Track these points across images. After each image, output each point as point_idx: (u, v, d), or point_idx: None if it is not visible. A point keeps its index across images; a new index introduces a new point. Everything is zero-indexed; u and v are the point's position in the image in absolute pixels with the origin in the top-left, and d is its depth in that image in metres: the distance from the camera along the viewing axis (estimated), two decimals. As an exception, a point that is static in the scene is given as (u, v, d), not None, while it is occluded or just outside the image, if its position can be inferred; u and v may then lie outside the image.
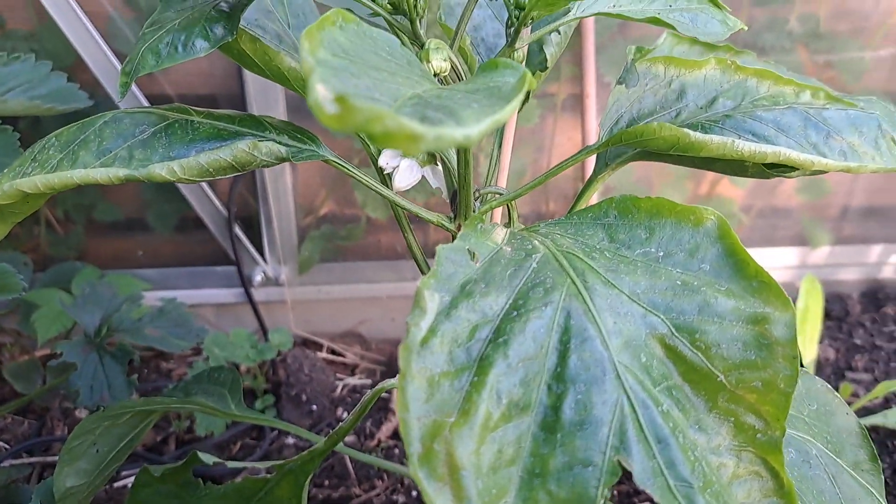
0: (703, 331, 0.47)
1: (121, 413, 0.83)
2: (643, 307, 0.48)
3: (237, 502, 0.86)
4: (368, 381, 1.46)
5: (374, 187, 0.68)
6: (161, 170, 0.57)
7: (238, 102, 1.29)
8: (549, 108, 1.38)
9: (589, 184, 0.73)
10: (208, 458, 0.84)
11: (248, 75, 1.25)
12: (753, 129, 0.64)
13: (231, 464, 0.86)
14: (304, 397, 1.37)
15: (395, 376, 1.42)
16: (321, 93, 0.33)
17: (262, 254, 1.45)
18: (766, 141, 0.62)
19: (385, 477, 1.22)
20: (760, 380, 0.46)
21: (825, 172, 0.62)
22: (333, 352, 1.53)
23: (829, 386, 0.74)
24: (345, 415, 1.35)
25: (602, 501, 0.42)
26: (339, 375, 1.46)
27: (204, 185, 1.35)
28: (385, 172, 0.71)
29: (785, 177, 0.63)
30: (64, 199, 1.41)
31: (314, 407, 1.36)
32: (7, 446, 1.23)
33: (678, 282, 0.50)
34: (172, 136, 0.60)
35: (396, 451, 1.27)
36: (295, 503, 0.82)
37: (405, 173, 0.70)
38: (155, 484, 0.87)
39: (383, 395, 1.39)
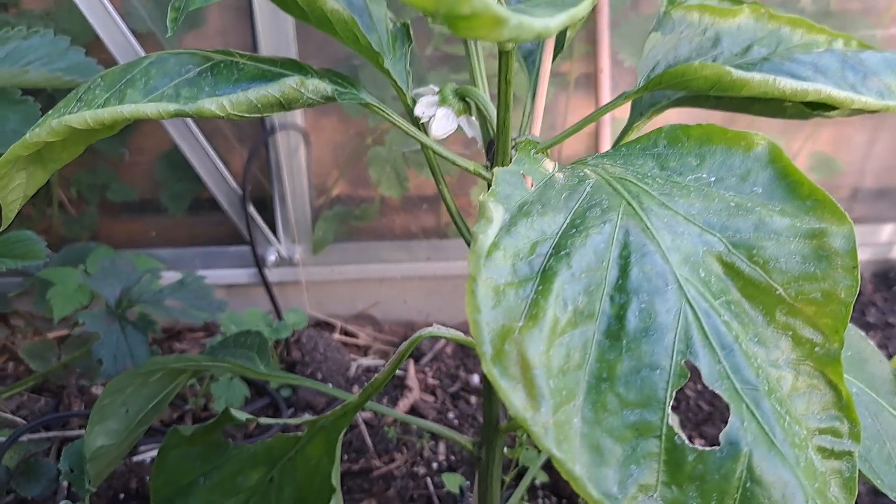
0: (761, 247, 0.48)
1: (152, 371, 0.83)
2: (699, 226, 0.49)
3: (267, 461, 0.86)
4: (382, 362, 1.46)
5: (412, 133, 0.68)
6: (211, 105, 0.57)
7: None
8: (562, 86, 1.39)
9: (624, 134, 0.74)
10: (241, 415, 0.84)
11: (262, 37, 1.25)
12: (791, 71, 0.65)
13: (264, 420, 0.86)
14: (319, 376, 1.37)
15: (407, 357, 1.41)
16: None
17: (275, 234, 1.45)
18: (804, 81, 0.63)
19: (405, 449, 1.22)
20: (820, 291, 0.46)
21: (864, 112, 0.63)
22: (346, 333, 1.53)
23: (862, 333, 0.75)
24: (360, 393, 1.35)
25: (671, 403, 0.42)
26: (352, 355, 1.46)
27: (219, 163, 1.35)
28: (421, 122, 0.71)
29: (824, 116, 0.63)
30: (78, 179, 1.41)
31: (329, 385, 1.36)
32: (25, 422, 1.22)
33: (732, 204, 0.50)
34: (218, 75, 0.61)
35: (414, 427, 1.27)
36: (327, 461, 0.82)
37: (441, 122, 0.71)
38: (183, 445, 0.87)
39: (399, 373, 1.39)
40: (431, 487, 1.16)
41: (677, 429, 0.42)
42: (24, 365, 1.36)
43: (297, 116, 1.35)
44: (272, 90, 0.58)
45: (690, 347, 0.44)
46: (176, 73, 0.61)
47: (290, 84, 0.58)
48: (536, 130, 0.81)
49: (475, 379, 1.38)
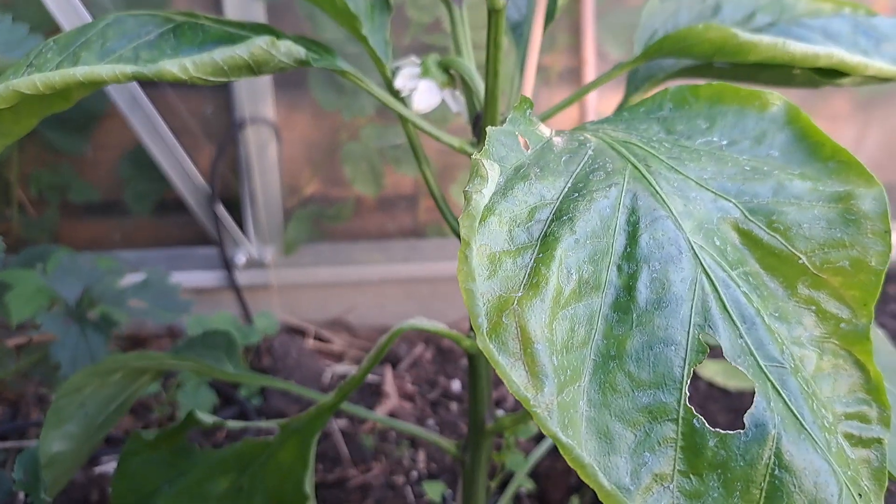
0: (781, 212, 0.43)
1: (112, 369, 0.77)
2: (712, 192, 0.44)
3: (236, 467, 0.80)
4: (356, 368, 1.40)
5: (392, 106, 0.63)
6: (172, 66, 0.52)
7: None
8: (544, 80, 1.35)
9: (620, 109, 0.69)
10: (207, 418, 0.78)
11: (227, 4, 1.19)
12: (800, 36, 0.61)
13: (232, 424, 0.80)
14: (291, 383, 1.31)
15: (383, 362, 1.35)
16: None
17: (245, 234, 1.39)
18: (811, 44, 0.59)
19: (383, 458, 1.16)
20: (848, 259, 0.42)
21: (877, 80, 0.59)
22: (320, 338, 1.47)
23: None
24: (335, 399, 1.29)
25: (688, 382, 0.38)
26: (326, 362, 1.40)
27: (186, 161, 1.29)
28: (402, 95, 0.67)
29: (835, 84, 0.59)
30: (38, 179, 1.35)
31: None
32: (-22, 432, 1.15)
33: (746, 167, 0.46)
34: (181, 37, 0.56)
35: (392, 433, 1.22)
36: (300, 466, 0.77)
37: (424, 95, 0.66)
38: (146, 451, 0.81)
39: (375, 379, 1.34)
40: (412, 497, 1.10)
41: (695, 410, 0.38)
42: (-21, 373, 1.29)
43: (268, 110, 1.29)
44: (240, 51, 0.53)
45: (709, 320, 0.39)
46: (135, 34, 0.56)
47: (260, 45, 0.53)
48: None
49: (456, 385, 1.33)
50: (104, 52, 0.55)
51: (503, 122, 0.66)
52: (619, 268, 0.40)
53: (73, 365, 0.97)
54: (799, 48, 0.56)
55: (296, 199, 1.39)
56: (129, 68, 0.52)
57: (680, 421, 0.37)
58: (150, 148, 1.28)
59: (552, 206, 0.43)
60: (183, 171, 1.31)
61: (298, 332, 1.48)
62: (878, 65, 0.57)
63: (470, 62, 0.66)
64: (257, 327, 1.35)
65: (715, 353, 0.41)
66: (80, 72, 0.52)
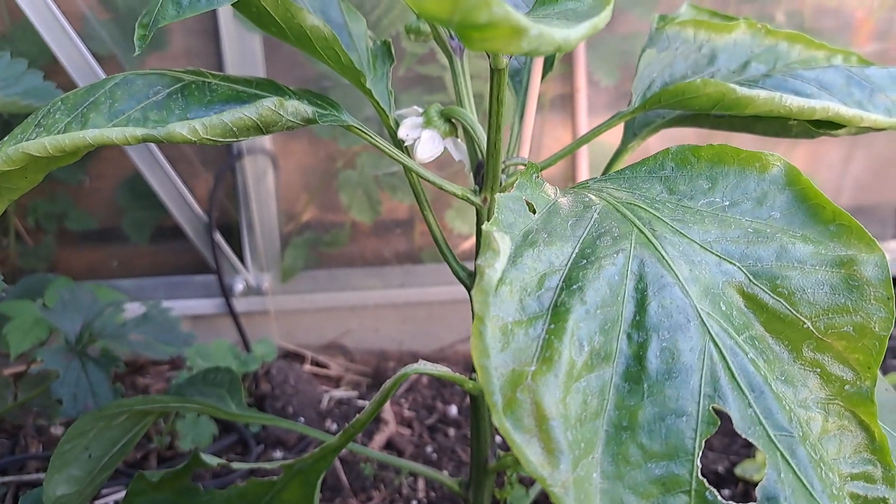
0: (785, 276, 0.44)
1: (117, 413, 0.77)
2: (717, 255, 0.45)
3: (241, 507, 0.81)
4: (355, 393, 1.41)
5: (397, 158, 0.64)
6: (182, 129, 0.53)
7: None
8: (537, 107, 1.35)
9: (617, 155, 0.70)
10: (212, 460, 0.78)
11: (228, 60, 1.21)
12: (795, 88, 0.62)
13: (237, 465, 0.81)
14: (290, 410, 1.31)
15: (380, 387, 1.37)
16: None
17: (243, 262, 1.39)
18: (810, 98, 0.60)
19: (382, 487, 1.17)
20: (851, 324, 0.43)
21: (872, 130, 0.60)
22: (317, 363, 1.48)
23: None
24: (334, 426, 1.30)
25: (700, 454, 0.38)
26: (324, 387, 1.41)
27: (183, 189, 1.30)
28: (405, 144, 0.68)
29: (831, 135, 0.60)
30: (35, 208, 1.35)
31: (301, 419, 1.30)
32: (-22, 466, 1.15)
33: (749, 230, 0.47)
34: (189, 97, 0.56)
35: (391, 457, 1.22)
36: (304, 506, 0.77)
37: (427, 144, 0.67)
38: (150, 492, 0.82)
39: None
40: (411, 526, 1.11)
41: (707, 483, 0.38)
42: (-23, 404, 1.29)
43: (266, 140, 1.30)
44: (249, 112, 0.54)
45: (718, 390, 0.40)
46: (143, 94, 0.56)
47: (268, 106, 0.54)
48: (525, 152, 0.78)
49: (453, 410, 1.34)
50: (113, 112, 0.55)
51: (504, 169, 0.67)
52: (629, 336, 0.41)
53: (75, 402, 0.97)
54: (796, 102, 0.57)
55: (293, 225, 1.40)
56: (139, 131, 0.53)
57: (692, 493, 0.38)
58: (147, 176, 1.28)
59: (561, 272, 0.43)
60: (181, 200, 1.31)
61: (295, 356, 1.48)
62: (873, 117, 0.58)
63: (472, 112, 0.67)
64: (256, 354, 1.35)
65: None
66: (90, 135, 0.53)
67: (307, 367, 1.45)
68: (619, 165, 0.70)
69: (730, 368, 0.41)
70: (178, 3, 0.52)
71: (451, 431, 1.29)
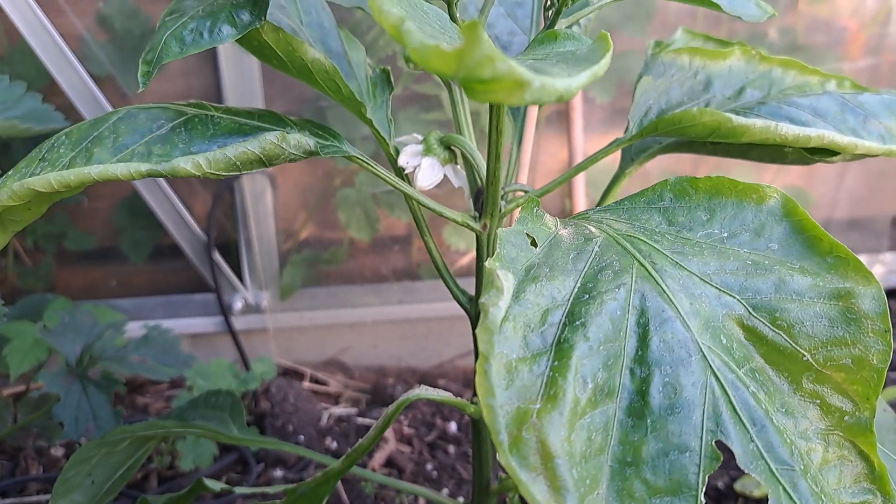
0: (784, 309, 0.45)
1: (119, 439, 0.78)
2: (716, 288, 0.46)
3: (244, 531, 0.81)
4: (354, 410, 1.41)
5: (398, 186, 0.65)
6: (186, 164, 0.53)
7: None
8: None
9: (615, 180, 0.71)
10: (215, 485, 0.79)
11: (226, 81, 1.21)
12: (790, 115, 0.62)
13: (240, 489, 0.81)
14: (290, 428, 1.32)
15: (380, 404, 1.36)
16: (421, 37, 0.31)
17: (241, 280, 1.40)
18: (804, 126, 0.61)
19: (383, 505, 1.17)
20: (850, 356, 0.44)
21: (867, 156, 0.61)
22: (316, 380, 1.48)
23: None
24: (334, 444, 1.30)
25: (703, 489, 0.39)
26: (323, 405, 1.41)
27: (182, 209, 1.31)
28: (405, 172, 0.68)
29: (826, 162, 0.61)
30: (33, 228, 1.35)
31: (301, 438, 1.31)
32: (-21, 488, 1.16)
33: (748, 262, 0.47)
34: (192, 131, 0.57)
35: (391, 477, 1.22)
36: (307, 530, 0.78)
37: (427, 172, 0.67)
38: (153, 516, 0.82)
39: (373, 423, 1.35)
40: (412, 544, 1.11)
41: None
42: (-23, 425, 1.29)
43: (263, 160, 1.31)
44: (251, 146, 0.54)
45: (720, 425, 0.41)
46: (147, 129, 0.57)
47: (271, 140, 0.55)
48: (523, 178, 0.79)
49: (452, 427, 1.34)
50: (117, 147, 0.56)
51: (503, 196, 0.68)
52: (632, 372, 0.42)
53: (76, 425, 0.97)
54: (791, 131, 0.58)
55: (291, 243, 1.40)
56: (143, 166, 0.53)
57: (696, 527, 0.39)
58: (145, 196, 1.29)
59: (564, 307, 0.44)
60: (179, 219, 1.32)
61: (294, 374, 1.49)
62: (868, 144, 0.59)
63: (471, 140, 0.68)
64: (255, 373, 1.35)
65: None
66: (95, 171, 0.54)
67: (306, 384, 1.46)
68: (617, 190, 0.71)
69: (731, 403, 0.41)
70: (182, 40, 0.53)
71: (451, 448, 1.30)
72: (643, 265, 0.46)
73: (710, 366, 0.42)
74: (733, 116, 0.57)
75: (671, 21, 1.37)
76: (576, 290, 0.45)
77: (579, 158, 1.36)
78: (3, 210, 0.58)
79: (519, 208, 0.69)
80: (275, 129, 0.58)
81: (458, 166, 0.70)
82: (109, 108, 1.22)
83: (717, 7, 0.59)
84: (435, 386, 1.46)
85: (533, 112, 0.72)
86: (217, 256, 1.35)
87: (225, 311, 1.39)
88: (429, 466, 1.25)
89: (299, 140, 0.56)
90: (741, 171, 1.49)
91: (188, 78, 1.27)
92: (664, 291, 0.45)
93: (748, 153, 0.65)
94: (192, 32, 0.53)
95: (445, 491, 1.20)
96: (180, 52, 0.53)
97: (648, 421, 0.40)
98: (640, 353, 0.42)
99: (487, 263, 0.43)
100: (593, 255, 0.48)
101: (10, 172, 0.58)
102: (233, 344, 1.42)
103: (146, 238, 1.38)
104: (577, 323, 0.43)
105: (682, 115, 0.59)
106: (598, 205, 0.72)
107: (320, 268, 1.42)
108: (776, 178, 1.51)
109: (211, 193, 1.33)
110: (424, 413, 1.38)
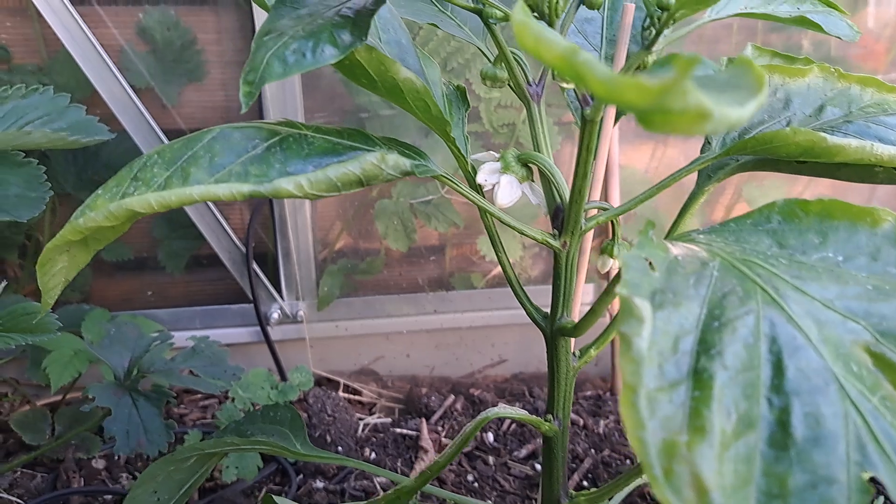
0: (912, 335, 0.44)
1: (187, 457, 0.77)
2: (840, 313, 0.46)
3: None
4: (389, 420, 1.41)
5: (480, 204, 0.65)
6: (288, 185, 0.53)
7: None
8: (569, 135, 1.36)
9: (692, 199, 0.71)
10: (283, 502, 0.78)
11: (267, 93, 1.21)
12: (879, 135, 0.62)
13: (309, 507, 0.80)
14: (328, 438, 1.31)
15: (414, 414, 1.36)
16: (604, 69, 0.30)
17: (279, 291, 1.39)
18: (894, 145, 0.61)
19: (429, 518, 1.17)
20: None
21: (961, 176, 0.61)
22: (350, 390, 1.48)
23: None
24: (372, 455, 1.30)
25: (852, 521, 0.39)
26: (358, 414, 1.41)
27: (221, 220, 1.30)
28: (484, 190, 0.68)
29: (919, 181, 0.61)
30: (69, 239, 1.34)
31: (339, 448, 1.30)
32: (21, 502, 1.15)
33: (868, 286, 0.47)
34: (287, 150, 0.56)
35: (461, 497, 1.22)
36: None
37: (506, 190, 0.67)
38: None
39: (409, 433, 1.34)
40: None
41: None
42: (13, 437, 1.28)
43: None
44: (352, 167, 0.54)
45: (866, 457, 0.40)
46: (242, 148, 0.56)
47: (371, 160, 0.54)
48: (596, 195, 0.78)
49: (490, 437, 1.33)
50: (213, 167, 0.55)
51: (585, 213, 0.67)
52: (770, 401, 0.41)
53: (127, 438, 0.97)
54: (886, 151, 0.57)
55: (327, 253, 1.40)
56: (245, 187, 0.53)
57: (849, 561, 0.38)
58: (186, 208, 1.28)
59: (693, 335, 0.44)
60: (219, 230, 1.31)
61: (329, 382, 1.48)
62: (963, 163, 0.59)
63: (549, 157, 0.67)
64: (293, 383, 1.35)
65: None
66: (197, 191, 0.53)
67: (341, 393, 1.45)
68: (694, 208, 0.71)
69: (873, 433, 0.41)
70: (284, 60, 0.52)
71: (490, 459, 1.29)
72: (765, 290, 0.46)
73: (848, 395, 0.42)
74: (828, 136, 0.57)
75: (707, 34, 1.37)
76: (703, 316, 0.44)
77: (615, 170, 1.36)
78: (94, 230, 0.57)
79: (595, 226, 0.68)
80: (366, 149, 0.57)
81: (535, 183, 0.70)
82: (150, 120, 1.22)
83: (819, 28, 0.58)
84: (468, 396, 1.45)
85: (608, 130, 0.72)
86: (255, 268, 1.35)
87: (262, 321, 1.38)
88: (469, 478, 1.24)
89: (397, 161, 0.56)
90: (774, 182, 1.50)
91: (227, 88, 1.27)
92: (791, 318, 0.44)
93: (836, 172, 0.64)
94: (294, 53, 0.53)
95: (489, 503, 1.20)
96: (283, 73, 0.52)
97: (792, 452, 0.40)
98: (775, 381, 0.42)
99: (618, 290, 0.43)
100: (713, 280, 0.47)
101: (99, 191, 0.58)
102: (266, 352, 1.42)
103: (183, 249, 1.37)
104: (713, 351, 0.42)
105: (773, 135, 0.59)
106: (676, 222, 0.71)
107: (356, 278, 1.42)
108: (807, 190, 1.51)
109: (248, 204, 1.33)
110: (460, 423, 1.37)
